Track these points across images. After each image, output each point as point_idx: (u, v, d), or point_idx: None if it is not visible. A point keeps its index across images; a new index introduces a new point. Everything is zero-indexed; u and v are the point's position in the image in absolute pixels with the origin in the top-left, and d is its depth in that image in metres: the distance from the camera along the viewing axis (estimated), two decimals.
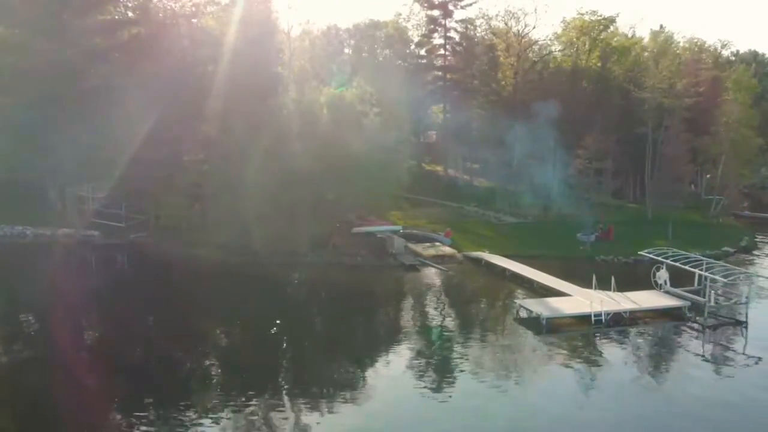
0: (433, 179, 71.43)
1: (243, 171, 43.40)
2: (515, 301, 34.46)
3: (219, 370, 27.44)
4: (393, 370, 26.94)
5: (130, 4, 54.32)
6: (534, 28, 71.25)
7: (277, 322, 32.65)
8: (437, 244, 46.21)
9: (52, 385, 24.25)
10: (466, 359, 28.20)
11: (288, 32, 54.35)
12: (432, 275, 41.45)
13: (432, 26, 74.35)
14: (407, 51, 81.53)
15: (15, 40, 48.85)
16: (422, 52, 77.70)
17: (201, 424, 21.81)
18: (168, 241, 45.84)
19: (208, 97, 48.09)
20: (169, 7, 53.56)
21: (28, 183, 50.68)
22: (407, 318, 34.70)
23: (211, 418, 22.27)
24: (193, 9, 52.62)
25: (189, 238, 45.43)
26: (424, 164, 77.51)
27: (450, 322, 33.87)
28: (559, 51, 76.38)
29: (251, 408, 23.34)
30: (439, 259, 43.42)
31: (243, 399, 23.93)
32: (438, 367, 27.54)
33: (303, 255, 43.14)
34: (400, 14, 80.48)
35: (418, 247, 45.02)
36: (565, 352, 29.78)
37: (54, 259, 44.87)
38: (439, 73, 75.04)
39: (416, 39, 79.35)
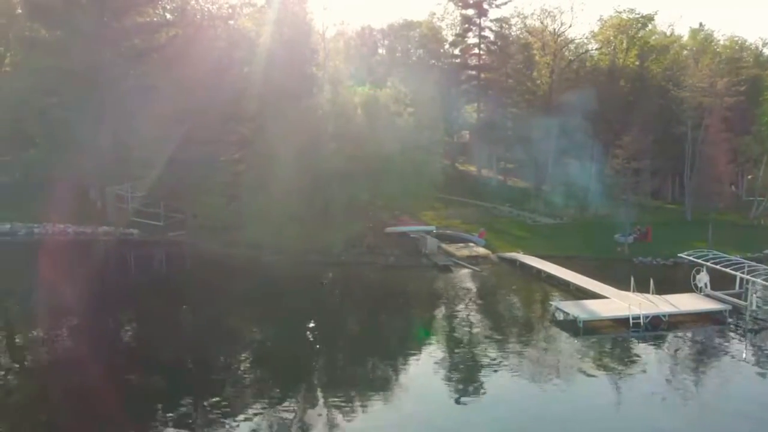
0: (466, 179, 71.12)
1: (277, 171, 43.88)
2: (551, 303, 34.14)
3: (253, 369, 27.67)
4: (427, 371, 26.82)
5: (168, 6, 55.24)
6: (570, 26, 70.72)
7: (311, 321, 32.83)
8: (471, 244, 45.99)
9: (90, 381, 24.58)
10: (501, 361, 27.95)
11: (323, 33, 54.54)
12: (466, 276, 41.22)
13: (466, 25, 74.00)
14: (441, 50, 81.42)
15: (57, 41, 50.05)
16: (456, 51, 77.39)
17: (236, 422, 21.98)
18: (204, 240, 46.56)
19: (244, 97, 48.82)
20: (206, 9, 54.49)
21: (68, 182, 51.93)
22: (441, 319, 34.43)
23: (245, 416, 22.42)
24: (230, 11, 53.32)
25: (225, 237, 46.09)
26: (458, 164, 77.28)
27: (485, 324, 33.61)
28: (595, 49, 75.44)
29: (285, 406, 23.49)
30: (473, 260, 43.22)
31: (277, 398, 24.09)
32: (472, 368, 27.33)
33: (337, 255, 43.38)
34: (434, 14, 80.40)
35: (452, 248, 44.87)
36: (602, 355, 29.43)
37: (95, 257, 46.08)
38: (473, 73, 74.66)
39: (450, 38, 79.19)
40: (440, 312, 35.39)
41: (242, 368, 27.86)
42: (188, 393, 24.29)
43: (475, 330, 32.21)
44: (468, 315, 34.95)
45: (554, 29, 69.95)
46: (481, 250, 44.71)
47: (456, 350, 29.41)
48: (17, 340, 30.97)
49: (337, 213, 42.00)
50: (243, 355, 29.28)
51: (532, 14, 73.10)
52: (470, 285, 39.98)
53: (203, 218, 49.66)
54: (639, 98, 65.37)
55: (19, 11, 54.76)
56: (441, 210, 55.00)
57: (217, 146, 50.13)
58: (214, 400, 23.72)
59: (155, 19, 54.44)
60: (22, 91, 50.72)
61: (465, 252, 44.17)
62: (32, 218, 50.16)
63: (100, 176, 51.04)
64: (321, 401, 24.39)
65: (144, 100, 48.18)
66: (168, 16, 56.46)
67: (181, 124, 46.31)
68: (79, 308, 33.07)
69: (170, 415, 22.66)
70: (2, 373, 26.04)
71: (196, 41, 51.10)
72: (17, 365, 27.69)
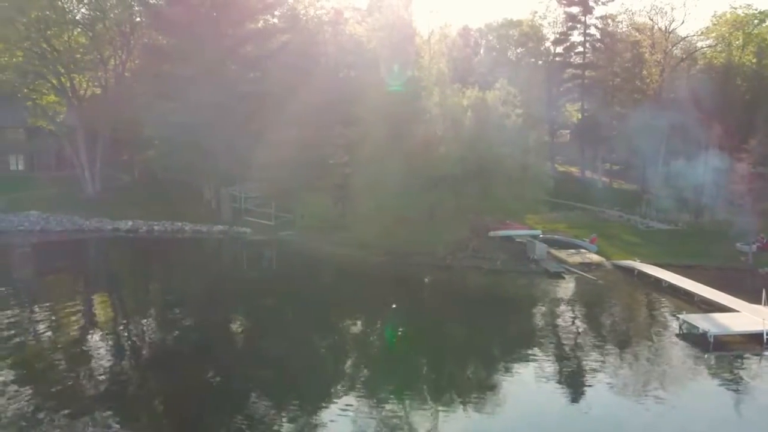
0: (568, 181, 69.24)
1: (385, 174, 44.25)
2: (677, 315, 32.58)
3: (357, 368, 27.94)
4: (543, 382, 26.30)
5: (277, 13, 56.78)
6: (682, 23, 67.45)
7: (420, 323, 32.99)
8: (582, 250, 44.66)
9: (198, 371, 26.20)
10: (627, 377, 27.01)
11: (429, 36, 54.53)
12: (579, 284, 39.97)
13: (570, 23, 72.13)
14: (541, 49, 79.84)
15: (176, 49, 52.53)
16: (559, 49, 75.60)
17: (335, 420, 22.43)
18: (313, 240, 47.62)
19: (352, 101, 49.50)
20: (314, 15, 55.66)
21: (185, 183, 54.58)
22: (558, 330, 33.36)
23: (347, 414, 22.83)
24: (336, 16, 54.21)
25: (332, 237, 46.98)
26: (557, 165, 75.47)
27: (605, 336, 32.46)
28: (708, 47, 71.64)
29: (387, 407, 23.69)
30: (586, 267, 41.89)
31: (377, 398, 24.31)
32: (598, 385, 26.32)
33: (442, 258, 43.28)
34: (536, 12, 78.78)
35: (562, 254, 43.71)
36: (734, 372, 27.89)
37: (210, 253, 48.44)
38: (578, 71, 72.68)
39: (552, 37, 77.50)
40: (556, 322, 34.42)
41: (343, 366, 28.06)
42: (289, 387, 25.04)
43: (596, 342, 31.19)
44: (587, 326, 34.02)
45: (665, 26, 66.97)
46: (594, 257, 43.28)
47: (577, 364, 28.56)
48: (141, 328, 32.63)
49: (444, 216, 41.79)
50: (345, 353, 29.66)
51: (641, 11, 70.42)
52: (585, 294, 38.68)
53: (310, 218, 50.82)
54: (757, 98, 61.50)
55: (138, 19, 57.81)
56: (544, 213, 53.64)
57: (326, 149, 51.14)
58: (316, 396, 24.25)
59: (268, 26, 56.03)
60: (142, 96, 53.72)
61: (577, 258, 42.89)
62: (150, 216, 52.98)
63: (215, 177, 53.27)
64: (423, 403, 24.38)
65: (257, 104, 50.03)
66: (274, 21, 58.16)
67: (291, 127, 47.56)
68: (195, 301, 35.39)
69: (271, 410, 23.41)
70: (126, 359, 28.03)
71: (305, 47, 52.37)
72: (141, 351, 29.53)
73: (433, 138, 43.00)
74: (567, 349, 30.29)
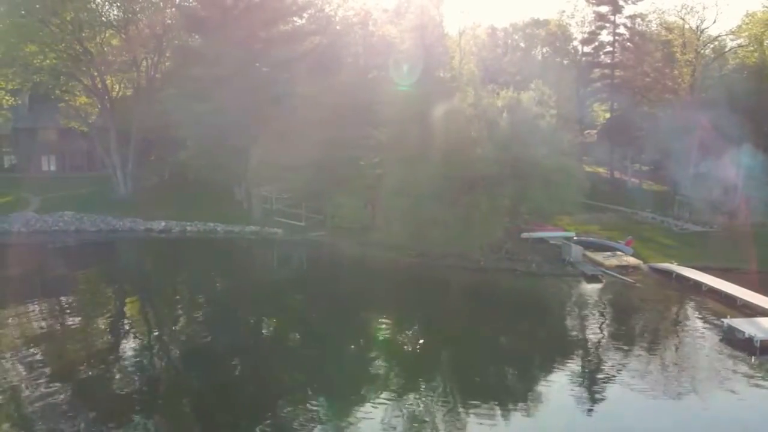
0: (598, 182, 68.49)
1: (418, 174, 44.13)
2: (720, 319, 32.13)
3: (387, 369, 27.79)
4: (584, 387, 26.03)
5: (305, 15, 56.81)
6: (714, 22, 66.56)
7: (457, 327, 32.85)
8: (618, 253, 44.19)
9: (230, 370, 26.67)
10: (673, 381, 26.66)
11: (459, 36, 54.41)
12: (618, 287, 39.36)
13: (600, 22, 71.46)
14: (568, 48, 79.31)
15: (210, 50, 52.70)
16: (587, 49, 74.93)
17: (367, 421, 22.51)
18: (343, 241, 47.66)
19: (382, 102, 49.45)
20: (343, 16, 55.69)
21: (215, 183, 54.87)
22: (599, 334, 32.92)
23: (379, 416, 22.88)
24: (366, 17, 54.16)
25: (362, 239, 46.97)
26: (585, 166, 74.70)
27: (647, 340, 32.10)
28: (740, 46, 70.64)
29: (420, 409, 23.71)
30: (623, 270, 41.32)
31: (410, 401, 24.32)
32: (638, 388, 25.96)
33: (475, 260, 43.07)
34: (564, 11, 78.22)
35: (598, 256, 43.23)
36: None
37: (244, 254, 48.71)
38: (607, 71, 72.01)
39: (579, 36, 76.86)
40: (596, 326, 34.01)
41: (373, 367, 27.99)
42: (320, 387, 25.25)
43: (638, 347, 30.83)
44: (628, 331, 33.62)
45: (697, 25, 66.12)
46: (631, 260, 42.72)
47: (619, 370, 28.00)
48: (177, 327, 33.07)
49: (478, 217, 41.55)
50: (376, 355, 29.50)
51: (671, 10, 69.64)
52: (624, 297, 38.14)
53: (340, 219, 50.85)
54: None
55: (169, 21, 58.15)
56: (576, 215, 53.11)
57: (356, 150, 51.11)
58: (349, 397, 24.44)
59: (298, 27, 56.08)
60: (175, 98, 54.02)
61: (614, 261, 42.38)
62: (181, 216, 53.39)
63: (247, 178, 53.48)
64: (457, 408, 24.18)
65: (288, 106, 50.10)
66: (304, 22, 58.21)
67: (322, 129, 47.55)
68: (228, 300, 36.36)
69: (299, 410, 23.51)
70: (161, 358, 28.64)
71: (336, 48, 52.41)
72: (176, 351, 29.89)
73: (467, 139, 42.71)
74: (609, 354, 29.93)
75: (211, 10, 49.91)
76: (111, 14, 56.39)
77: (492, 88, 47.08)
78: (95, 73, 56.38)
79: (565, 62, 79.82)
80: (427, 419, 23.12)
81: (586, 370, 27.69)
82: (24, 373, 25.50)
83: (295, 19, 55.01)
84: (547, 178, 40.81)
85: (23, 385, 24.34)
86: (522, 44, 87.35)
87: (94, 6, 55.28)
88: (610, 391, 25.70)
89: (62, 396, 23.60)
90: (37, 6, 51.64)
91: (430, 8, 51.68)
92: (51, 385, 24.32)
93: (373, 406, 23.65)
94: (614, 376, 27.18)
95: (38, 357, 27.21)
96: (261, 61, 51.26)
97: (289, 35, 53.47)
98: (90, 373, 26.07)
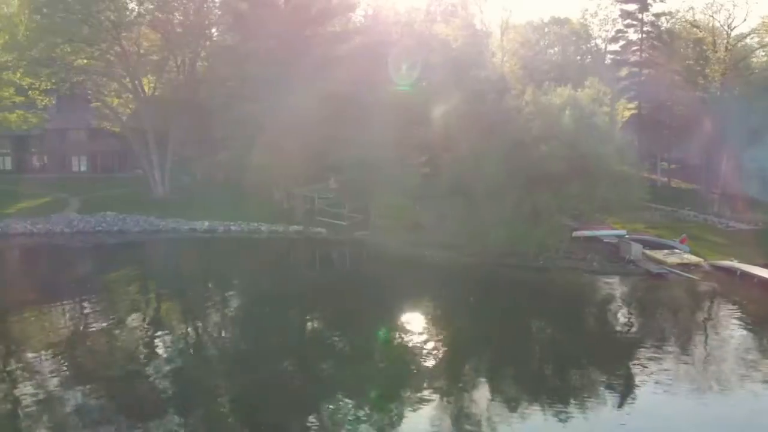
0: None
1: (474, 173, 43.94)
2: None
3: (434, 370, 27.47)
4: (669, 385, 25.81)
5: (350, 15, 56.52)
6: (744, 20, 67.00)
7: (538, 328, 32.85)
8: (676, 251, 44.20)
9: (278, 369, 26.87)
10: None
11: (501, 34, 54.32)
12: (684, 285, 39.13)
13: (627, 21, 71.63)
14: (590, 46, 79.59)
15: (253, 49, 52.22)
16: (614, 47, 75.23)
17: (419, 420, 22.60)
18: (390, 240, 47.08)
19: (428, 101, 49.25)
20: (386, 16, 55.41)
21: (252, 183, 54.21)
22: (678, 333, 32.70)
23: (423, 415, 23.00)
24: (413, 16, 54.04)
25: (409, 238, 46.40)
26: None
27: (726, 339, 31.86)
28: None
29: (475, 409, 23.72)
30: (685, 268, 41.28)
31: (465, 401, 24.36)
32: (729, 389, 25.82)
33: (535, 259, 42.84)
34: (586, 9, 78.49)
35: (658, 254, 43.14)
36: None
37: (290, 253, 48.42)
38: (635, 69, 72.16)
39: (601, 34, 77.18)
40: (675, 326, 33.90)
41: (419, 368, 27.69)
42: (366, 385, 25.25)
43: (719, 347, 30.79)
44: (706, 330, 33.68)
45: (728, 23, 66.45)
46: (692, 258, 42.65)
47: (699, 371, 27.83)
48: (228, 327, 33.45)
49: (545, 216, 41.44)
50: (427, 355, 29.16)
51: (699, 8, 69.89)
52: (695, 296, 38.01)
53: (383, 219, 50.38)
54: None
55: (207, 21, 57.57)
56: (618, 213, 52.95)
57: (402, 150, 50.75)
58: (392, 395, 24.42)
59: (346, 26, 55.73)
60: (215, 97, 53.52)
61: (674, 259, 42.25)
62: (221, 216, 52.77)
63: (289, 178, 52.99)
64: (516, 406, 24.23)
65: (335, 105, 49.68)
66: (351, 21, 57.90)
67: (367, 128, 47.18)
68: (276, 299, 36.08)
69: (340, 408, 23.82)
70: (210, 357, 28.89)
71: (381, 47, 52.05)
72: (228, 349, 30.28)
73: (529, 137, 42.53)
74: (689, 354, 29.75)
75: (259, 9, 49.29)
76: (150, 14, 55.54)
77: (549, 85, 46.76)
78: (133, 73, 55.58)
79: (588, 60, 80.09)
80: (480, 418, 23.10)
81: (670, 370, 27.32)
82: (83, 366, 26.45)
83: (342, 17, 54.51)
84: (615, 176, 40.68)
85: (77, 379, 24.99)
86: (542, 42, 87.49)
87: (133, 6, 54.54)
88: (692, 392, 25.47)
89: (101, 394, 24.02)
90: (79, 7, 50.73)
91: (472, 5, 51.62)
92: (89, 384, 24.63)
93: (414, 406, 23.69)
94: (693, 377, 26.91)
95: (84, 356, 28.00)
96: (307, 59, 50.67)
97: (336, 34, 53.04)
98: (129, 366, 26.84)
